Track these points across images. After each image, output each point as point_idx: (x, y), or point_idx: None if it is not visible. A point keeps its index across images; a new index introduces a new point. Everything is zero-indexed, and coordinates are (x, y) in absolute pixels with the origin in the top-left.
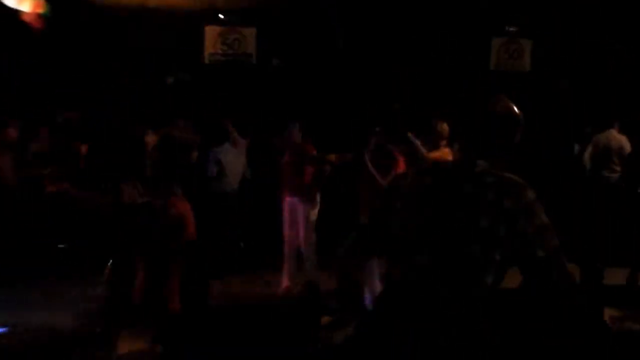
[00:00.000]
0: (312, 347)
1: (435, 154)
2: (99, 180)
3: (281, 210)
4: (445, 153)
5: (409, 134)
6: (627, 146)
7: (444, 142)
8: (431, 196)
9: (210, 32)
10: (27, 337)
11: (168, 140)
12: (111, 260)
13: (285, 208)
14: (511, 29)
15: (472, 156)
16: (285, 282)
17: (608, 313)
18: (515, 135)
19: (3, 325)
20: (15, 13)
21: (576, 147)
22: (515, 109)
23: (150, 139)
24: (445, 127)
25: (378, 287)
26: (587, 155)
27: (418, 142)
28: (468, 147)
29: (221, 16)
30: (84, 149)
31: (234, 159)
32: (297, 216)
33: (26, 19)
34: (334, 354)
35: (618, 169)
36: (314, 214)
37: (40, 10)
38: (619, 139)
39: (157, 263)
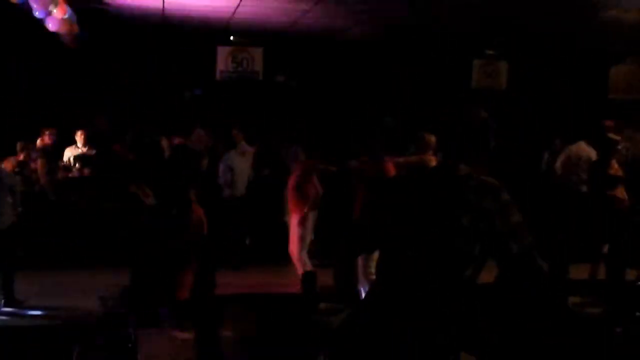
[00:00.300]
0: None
1: (410, 159)
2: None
3: (282, 211)
4: (427, 160)
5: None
6: (594, 157)
7: (430, 152)
8: (419, 197)
9: (222, 52)
10: (63, 318)
11: (181, 150)
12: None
13: (291, 222)
14: (489, 52)
15: (455, 161)
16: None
17: (572, 300)
18: (490, 142)
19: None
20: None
21: (546, 156)
22: (489, 119)
23: (165, 144)
24: (432, 138)
25: (368, 283)
26: (559, 163)
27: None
28: (450, 153)
29: (232, 38)
30: None
31: (241, 165)
32: (295, 227)
33: (63, 40)
34: (330, 338)
35: (584, 176)
36: (310, 224)
37: (75, 32)
38: (588, 151)
39: (171, 260)
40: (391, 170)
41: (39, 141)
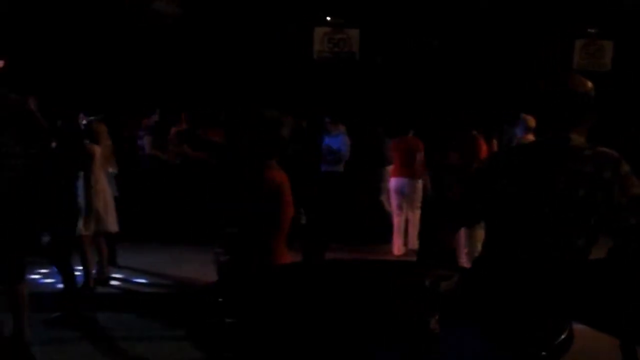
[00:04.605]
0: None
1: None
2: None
3: (379, 190)
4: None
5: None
6: None
7: (531, 134)
8: (532, 169)
9: (319, 33)
10: (163, 291)
11: (258, 117)
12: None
13: (394, 187)
14: (592, 30)
15: (565, 131)
16: (396, 249)
17: None
18: (591, 108)
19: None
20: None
21: None
22: (593, 91)
23: None
24: (531, 119)
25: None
26: None
27: None
28: (559, 123)
29: (328, 18)
30: None
31: (335, 144)
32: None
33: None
34: (441, 303)
35: None
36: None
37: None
38: None
39: (257, 224)
40: (483, 146)
41: (145, 119)
